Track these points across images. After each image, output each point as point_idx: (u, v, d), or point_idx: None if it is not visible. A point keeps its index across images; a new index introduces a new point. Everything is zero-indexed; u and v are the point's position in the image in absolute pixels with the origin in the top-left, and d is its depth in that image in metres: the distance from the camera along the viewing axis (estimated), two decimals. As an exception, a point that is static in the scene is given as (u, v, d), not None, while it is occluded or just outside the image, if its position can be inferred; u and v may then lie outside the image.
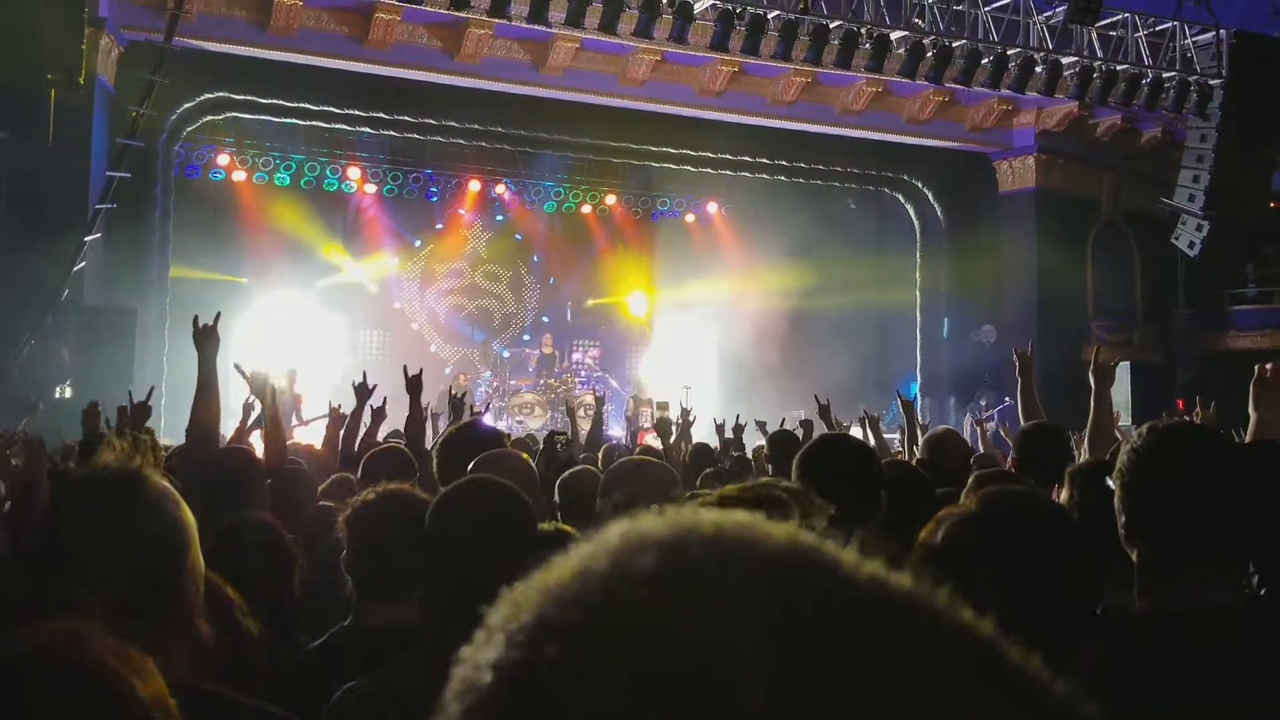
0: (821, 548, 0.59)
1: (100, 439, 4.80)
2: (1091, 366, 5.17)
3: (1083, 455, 4.78)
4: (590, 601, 0.56)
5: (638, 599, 0.55)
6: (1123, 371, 12.90)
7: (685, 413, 9.36)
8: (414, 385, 6.60)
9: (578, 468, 4.69)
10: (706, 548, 0.58)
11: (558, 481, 4.34)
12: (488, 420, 17.28)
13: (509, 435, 6.52)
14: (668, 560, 0.57)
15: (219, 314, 5.12)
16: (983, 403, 18.03)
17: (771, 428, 8.32)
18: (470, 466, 3.70)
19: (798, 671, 0.53)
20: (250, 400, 6.46)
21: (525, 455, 4.32)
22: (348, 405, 7.08)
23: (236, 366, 5.08)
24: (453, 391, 7.00)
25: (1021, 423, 6.34)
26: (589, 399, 19.69)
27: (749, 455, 8.88)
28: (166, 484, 1.91)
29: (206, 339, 5.02)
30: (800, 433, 8.46)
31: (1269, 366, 4.24)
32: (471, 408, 13.19)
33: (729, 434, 10.21)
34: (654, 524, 0.60)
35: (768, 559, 0.58)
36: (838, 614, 0.56)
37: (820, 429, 8.69)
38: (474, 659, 0.58)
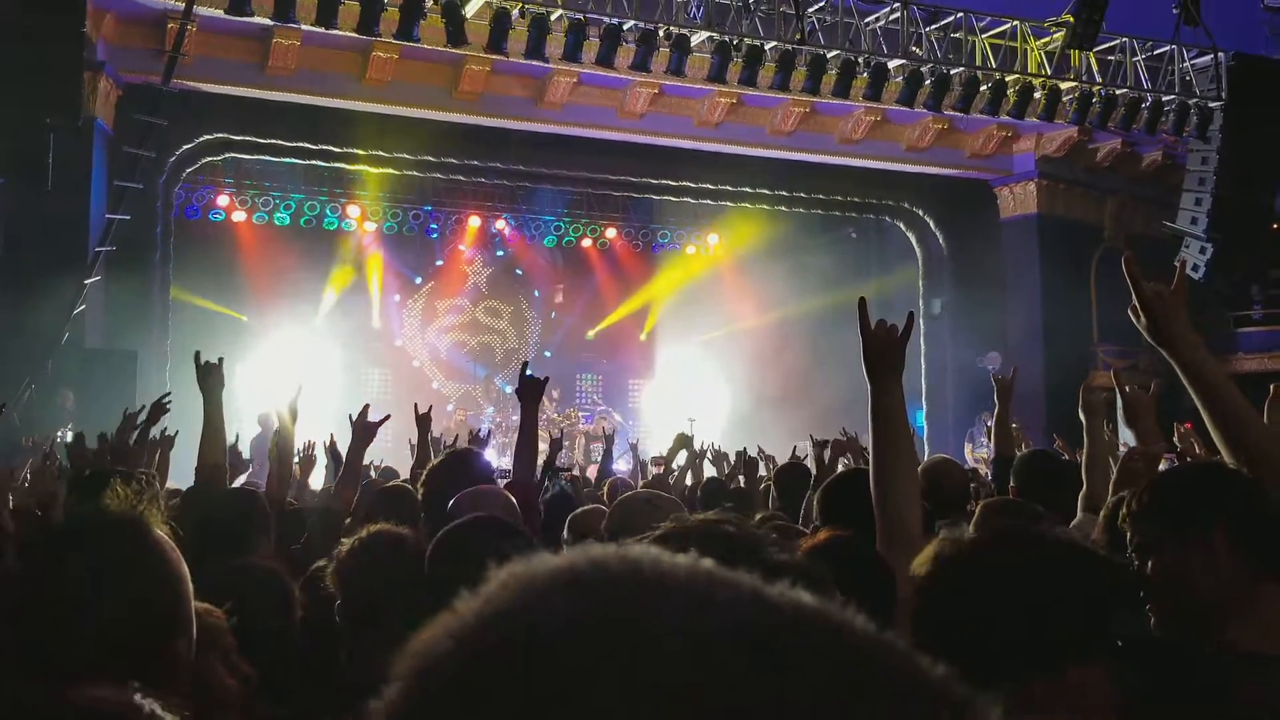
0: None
1: (90, 475, 4.73)
2: (1081, 401, 5.26)
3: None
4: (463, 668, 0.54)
5: (515, 661, 0.53)
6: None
7: (688, 441, 9.27)
8: (423, 423, 6.49)
9: (588, 506, 4.62)
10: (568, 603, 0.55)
11: (568, 519, 4.27)
12: (490, 454, 17.20)
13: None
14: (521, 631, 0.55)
15: (222, 358, 5.07)
16: (977, 427, 17.93)
17: (781, 457, 8.21)
18: (451, 505, 3.61)
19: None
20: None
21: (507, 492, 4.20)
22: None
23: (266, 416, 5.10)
24: (474, 431, 6.80)
25: (994, 447, 6.39)
26: (593, 432, 19.64)
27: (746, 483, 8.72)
28: (165, 534, 1.85)
29: (211, 378, 4.97)
30: (811, 460, 8.34)
31: None
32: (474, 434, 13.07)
33: (728, 467, 10.11)
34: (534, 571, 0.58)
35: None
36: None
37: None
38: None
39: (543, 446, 6.80)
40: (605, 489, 7.81)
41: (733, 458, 10.31)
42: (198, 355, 5.09)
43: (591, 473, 12.90)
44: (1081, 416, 5.23)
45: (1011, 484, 4.98)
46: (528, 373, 5.13)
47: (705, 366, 22.44)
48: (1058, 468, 5.03)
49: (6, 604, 1.80)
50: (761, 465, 9.17)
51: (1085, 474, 4.85)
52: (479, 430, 6.93)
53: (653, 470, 10.35)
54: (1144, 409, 4.57)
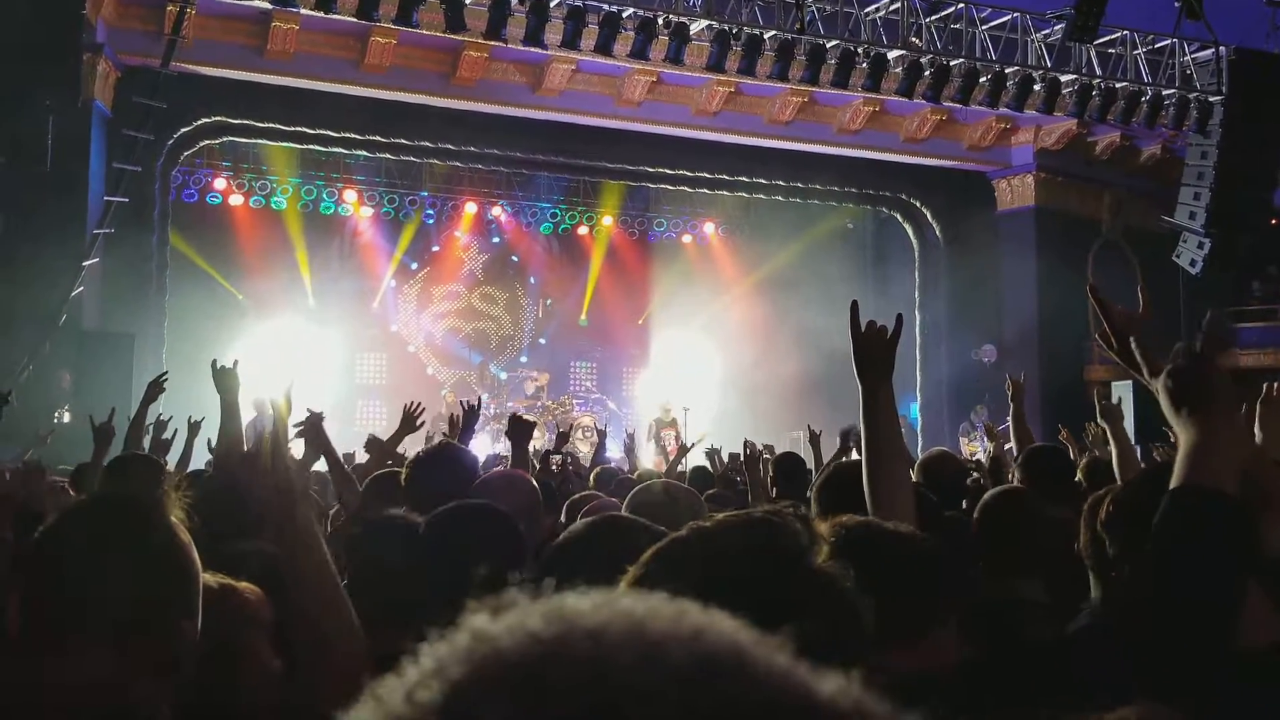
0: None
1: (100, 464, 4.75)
2: (1099, 410, 5.97)
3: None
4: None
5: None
6: (1125, 392, 12.85)
7: (678, 439, 9.34)
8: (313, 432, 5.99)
9: (588, 490, 4.64)
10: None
11: (567, 503, 4.30)
12: (484, 441, 17.22)
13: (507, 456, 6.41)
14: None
15: (237, 360, 5.13)
16: (973, 419, 17.94)
17: (776, 447, 8.25)
18: (476, 486, 3.64)
19: None
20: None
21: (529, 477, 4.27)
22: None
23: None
24: (464, 407, 6.62)
25: (1015, 448, 6.54)
26: (587, 421, 19.63)
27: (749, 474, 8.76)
28: (179, 518, 1.88)
29: (228, 379, 5.03)
30: (810, 450, 8.40)
31: (1277, 385, 4.21)
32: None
33: (721, 462, 10.14)
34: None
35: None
36: None
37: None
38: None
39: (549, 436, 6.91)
40: (593, 477, 7.84)
41: (725, 454, 10.34)
42: (215, 362, 5.19)
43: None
44: (1102, 423, 5.87)
45: (1019, 476, 5.11)
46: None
47: (699, 354, 22.44)
48: (1063, 463, 5.22)
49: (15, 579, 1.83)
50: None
51: (1119, 472, 5.05)
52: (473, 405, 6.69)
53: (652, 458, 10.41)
54: (1114, 419, 5.54)
